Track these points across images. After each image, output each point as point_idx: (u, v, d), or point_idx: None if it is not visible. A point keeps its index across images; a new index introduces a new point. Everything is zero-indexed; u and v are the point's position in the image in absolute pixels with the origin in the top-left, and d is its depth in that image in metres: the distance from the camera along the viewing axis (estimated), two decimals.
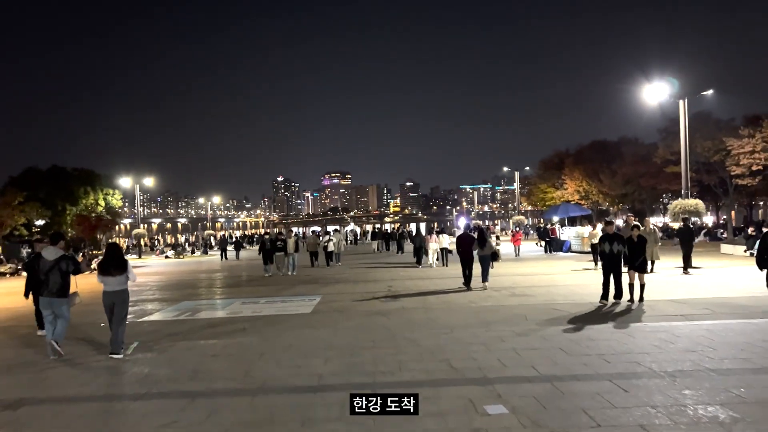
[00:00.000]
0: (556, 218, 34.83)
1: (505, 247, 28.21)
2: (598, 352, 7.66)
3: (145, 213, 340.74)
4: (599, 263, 21.10)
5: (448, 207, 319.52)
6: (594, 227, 24.49)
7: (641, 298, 11.85)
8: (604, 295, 11.95)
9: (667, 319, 9.88)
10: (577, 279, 16.98)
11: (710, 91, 20.14)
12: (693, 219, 20.07)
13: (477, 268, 15.82)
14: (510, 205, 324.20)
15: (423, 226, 71.71)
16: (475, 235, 16.60)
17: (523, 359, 7.39)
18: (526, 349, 7.97)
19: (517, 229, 26.07)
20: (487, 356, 7.62)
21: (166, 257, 47.25)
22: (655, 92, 20.98)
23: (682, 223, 16.16)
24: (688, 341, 8.10)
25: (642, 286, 11.91)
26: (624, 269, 11.99)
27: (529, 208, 74.18)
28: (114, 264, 8.56)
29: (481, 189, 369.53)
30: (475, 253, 15.95)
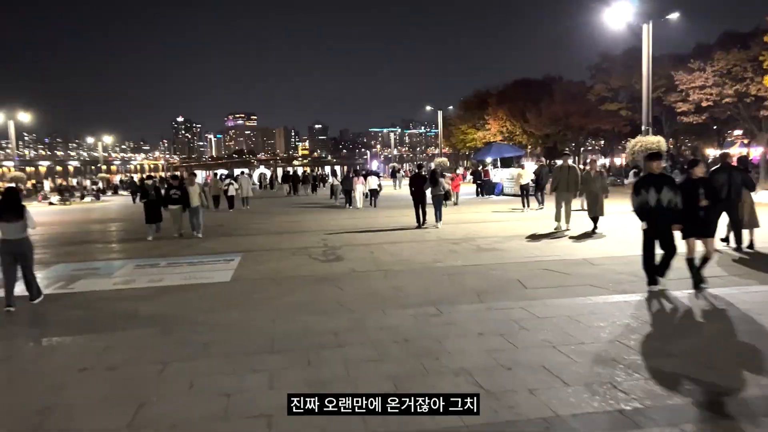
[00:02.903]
0: (489, 159, 32.94)
1: None
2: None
3: (32, 155, 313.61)
4: (531, 206, 19.89)
5: (359, 150, 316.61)
6: (521, 167, 22.63)
7: (699, 279, 7.31)
8: (651, 279, 7.38)
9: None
10: (537, 227, 14.82)
11: (676, 14, 18.27)
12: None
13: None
14: (418, 149, 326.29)
15: (338, 168, 68.34)
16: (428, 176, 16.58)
17: (591, 370, 4.83)
18: (580, 344, 5.42)
19: (459, 171, 23.52)
20: (531, 367, 5.00)
21: (50, 204, 41.53)
22: (617, 13, 18.78)
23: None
24: None
25: (705, 260, 7.30)
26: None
27: (446, 150, 72.59)
28: (10, 209, 7.77)
29: (388, 132, 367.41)
30: (427, 192, 16.14)
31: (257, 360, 5.28)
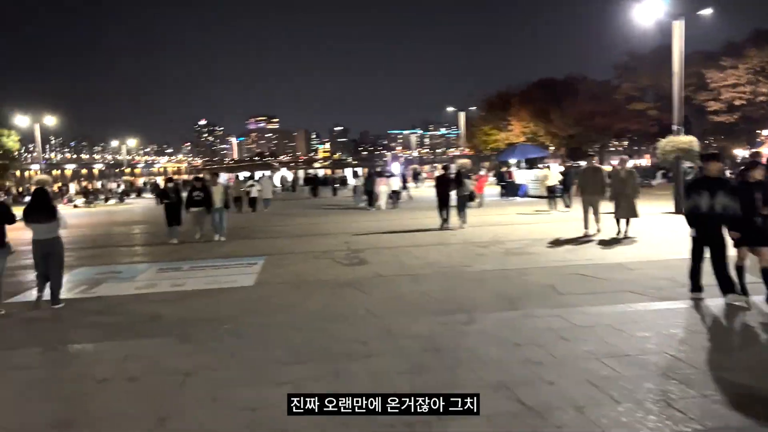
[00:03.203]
0: (513, 161, 32.42)
1: None
2: None
3: (58, 158, 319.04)
4: (557, 208, 19.43)
5: (377, 152, 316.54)
6: (548, 168, 22.13)
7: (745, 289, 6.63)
8: (695, 286, 6.91)
9: None
10: (566, 229, 14.38)
11: (709, 11, 17.69)
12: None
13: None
14: (439, 150, 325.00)
15: (360, 171, 68.36)
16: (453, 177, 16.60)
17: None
18: (626, 355, 5.07)
19: (482, 172, 22.96)
20: (575, 381, 4.67)
21: (75, 206, 41.98)
22: (646, 11, 18.26)
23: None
24: None
25: (765, 272, 6.41)
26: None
27: (467, 151, 71.97)
28: (42, 210, 7.80)
29: (411, 134, 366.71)
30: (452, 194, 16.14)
31: (283, 371, 5.02)
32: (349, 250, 12.32)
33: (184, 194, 15.63)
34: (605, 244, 11.76)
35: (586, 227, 12.92)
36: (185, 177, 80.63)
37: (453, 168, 25.80)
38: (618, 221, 12.33)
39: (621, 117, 36.31)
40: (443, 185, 16.20)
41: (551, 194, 20.11)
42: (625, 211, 12.18)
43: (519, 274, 8.90)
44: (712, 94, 27.94)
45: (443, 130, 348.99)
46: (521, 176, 29.48)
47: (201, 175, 18.68)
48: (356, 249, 12.43)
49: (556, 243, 12.15)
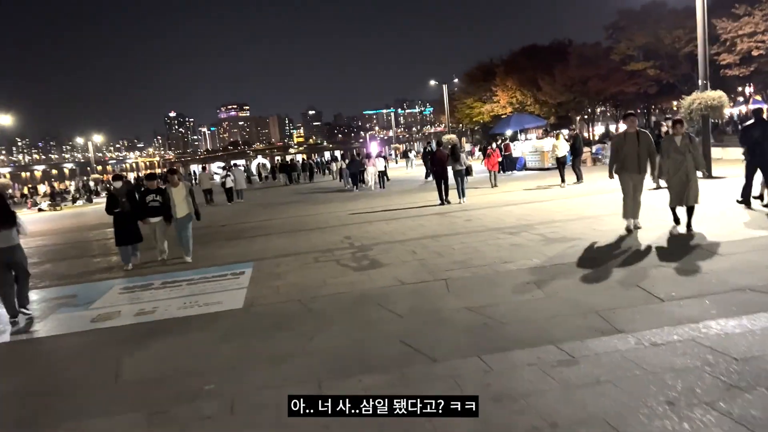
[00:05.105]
0: (509, 132, 30.44)
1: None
2: None
3: (27, 160, 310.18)
4: (568, 180, 17.64)
5: (354, 134, 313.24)
6: (557, 137, 20.29)
7: None
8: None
9: None
10: (592, 205, 12.54)
11: None
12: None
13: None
14: (414, 128, 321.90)
15: (338, 153, 65.86)
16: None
17: None
18: None
19: (494, 146, 20.85)
20: None
21: (40, 210, 39.29)
22: None
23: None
24: None
25: None
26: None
27: (444, 127, 69.77)
28: (0, 217, 7.45)
29: (384, 113, 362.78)
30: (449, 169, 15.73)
31: None
32: (354, 248, 10.32)
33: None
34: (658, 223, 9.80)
35: (626, 216, 9.14)
36: (158, 171, 77.35)
37: (434, 144, 24.91)
38: (674, 209, 8.80)
39: (616, 80, 34.46)
40: (439, 162, 16.01)
41: (561, 165, 18.34)
42: (685, 195, 8.45)
43: (584, 272, 6.98)
44: (724, 46, 26.17)
45: (417, 108, 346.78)
46: (518, 148, 27.67)
47: (154, 171, 14.96)
48: (361, 245, 10.45)
49: (594, 223, 10.25)
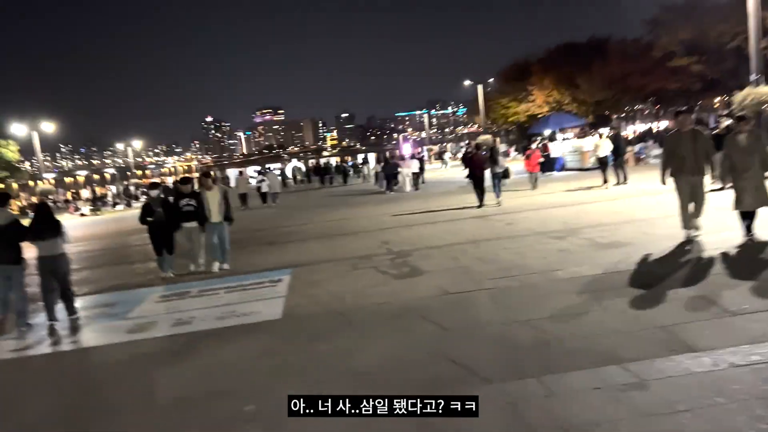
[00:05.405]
0: (548, 132, 29.75)
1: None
2: None
3: (70, 166, 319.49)
4: (611, 181, 17.03)
5: (386, 135, 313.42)
6: (600, 136, 19.59)
7: None
8: None
9: None
10: (639, 207, 11.97)
11: None
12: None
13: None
14: (447, 129, 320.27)
15: (371, 156, 65.74)
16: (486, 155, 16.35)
17: None
18: None
19: (534, 146, 20.22)
20: None
21: (82, 215, 40.15)
22: None
23: None
24: None
25: None
26: None
27: (478, 128, 68.85)
28: (46, 226, 7.67)
29: (417, 115, 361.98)
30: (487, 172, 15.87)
31: None
32: (392, 253, 10.02)
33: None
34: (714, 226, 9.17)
35: (686, 226, 8.37)
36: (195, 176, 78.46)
37: (471, 145, 24.72)
38: (743, 215, 7.89)
39: (657, 76, 33.39)
40: (477, 164, 15.96)
41: (603, 166, 17.72)
42: (752, 198, 7.68)
43: (636, 282, 6.53)
44: None
45: (450, 109, 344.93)
46: (556, 148, 26.99)
47: (188, 175, 13.89)
48: (400, 251, 10.13)
49: (646, 227, 9.72)
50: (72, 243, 8.88)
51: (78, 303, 8.51)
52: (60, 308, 7.92)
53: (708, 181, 8.37)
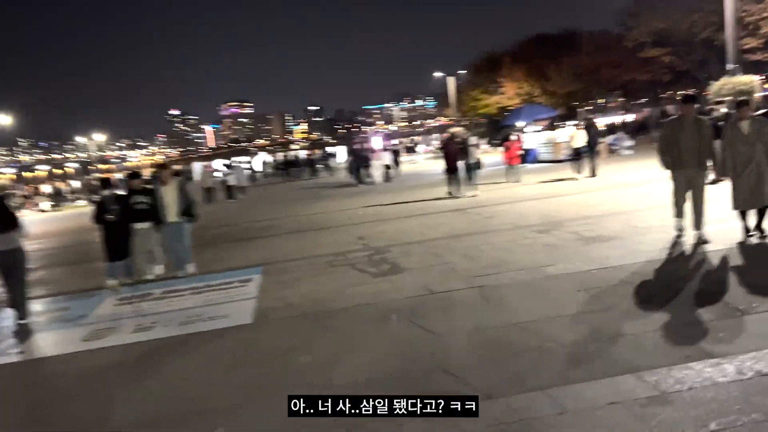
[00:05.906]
0: (520, 124, 29.52)
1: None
2: None
3: (30, 160, 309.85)
4: (582, 173, 16.82)
5: (355, 129, 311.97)
6: (576, 127, 19.43)
7: None
8: None
9: None
10: (621, 200, 11.69)
11: None
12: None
13: None
14: (415, 122, 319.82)
15: (341, 149, 64.75)
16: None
17: None
18: None
19: (514, 137, 19.71)
20: None
21: (41, 211, 38.77)
22: None
23: None
24: None
25: None
26: None
27: (447, 120, 68.62)
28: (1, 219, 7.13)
29: (386, 108, 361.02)
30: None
31: None
32: (370, 249, 9.52)
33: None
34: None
35: (678, 216, 7.66)
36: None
37: (445, 135, 24.56)
38: (744, 213, 7.20)
39: (629, 67, 33.48)
40: (451, 153, 16.36)
41: (577, 157, 17.52)
42: (756, 194, 6.92)
43: (635, 278, 6.15)
44: (747, 29, 25.20)
45: (419, 102, 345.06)
46: (529, 140, 26.79)
47: (138, 171, 12.19)
48: (377, 246, 9.64)
49: (632, 219, 9.40)
50: (29, 239, 8.15)
51: (30, 306, 7.81)
52: (8, 313, 7.24)
53: (709, 176, 7.60)
